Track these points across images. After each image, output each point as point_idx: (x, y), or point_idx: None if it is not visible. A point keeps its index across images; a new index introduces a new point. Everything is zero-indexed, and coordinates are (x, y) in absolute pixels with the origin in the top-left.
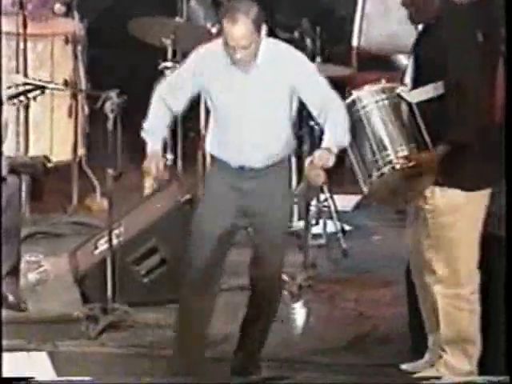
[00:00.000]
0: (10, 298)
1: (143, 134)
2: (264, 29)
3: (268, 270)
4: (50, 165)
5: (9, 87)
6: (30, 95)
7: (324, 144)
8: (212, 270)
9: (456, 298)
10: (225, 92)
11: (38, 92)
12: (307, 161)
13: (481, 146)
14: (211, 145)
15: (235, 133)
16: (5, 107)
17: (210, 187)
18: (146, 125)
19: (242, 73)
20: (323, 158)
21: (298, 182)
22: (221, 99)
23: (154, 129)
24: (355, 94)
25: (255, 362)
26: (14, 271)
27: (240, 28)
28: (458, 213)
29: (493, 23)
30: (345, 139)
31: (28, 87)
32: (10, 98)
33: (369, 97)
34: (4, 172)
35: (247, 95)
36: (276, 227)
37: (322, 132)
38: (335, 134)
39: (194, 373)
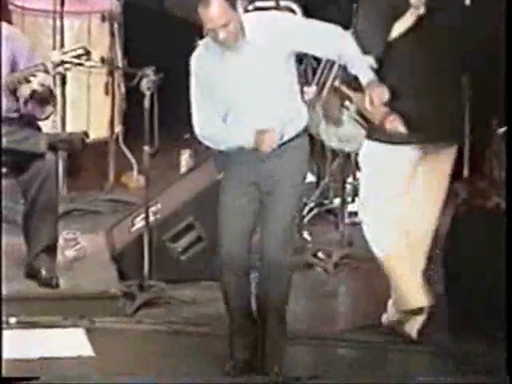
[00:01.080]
0: (43, 272)
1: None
2: (240, 3)
3: (270, 253)
4: (88, 140)
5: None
6: (68, 65)
7: (365, 79)
8: (241, 246)
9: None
10: (224, 78)
11: (75, 62)
12: (366, 102)
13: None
14: None
15: (244, 114)
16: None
17: (230, 169)
18: (224, 147)
19: (234, 54)
20: (380, 92)
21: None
22: (222, 87)
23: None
24: None
25: (273, 359)
26: (51, 248)
27: (213, 8)
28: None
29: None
30: (370, 60)
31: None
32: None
33: None
34: (43, 148)
35: (245, 74)
36: (282, 210)
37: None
38: (365, 63)
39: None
